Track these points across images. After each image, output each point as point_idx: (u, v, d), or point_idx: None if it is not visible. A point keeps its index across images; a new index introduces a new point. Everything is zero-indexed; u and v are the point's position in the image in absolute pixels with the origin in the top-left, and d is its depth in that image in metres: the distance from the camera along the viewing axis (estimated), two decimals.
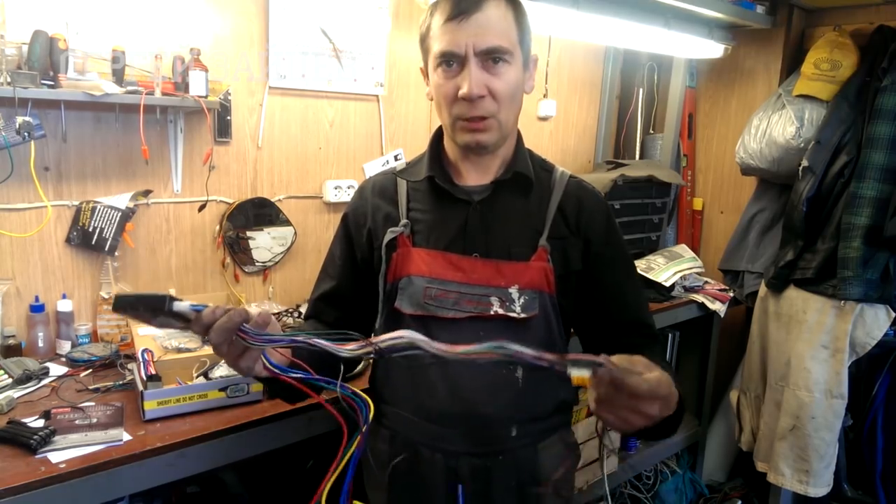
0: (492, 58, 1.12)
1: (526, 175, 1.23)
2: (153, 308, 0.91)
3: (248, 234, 2.10)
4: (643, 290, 1.34)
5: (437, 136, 1.29)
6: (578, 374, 0.81)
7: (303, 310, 1.95)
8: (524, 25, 1.18)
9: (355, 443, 0.91)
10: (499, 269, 1.19)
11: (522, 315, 1.18)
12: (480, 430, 1.19)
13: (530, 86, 1.23)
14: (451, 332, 1.18)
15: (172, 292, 1.96)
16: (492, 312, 1.17)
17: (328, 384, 0.92)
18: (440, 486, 1.22)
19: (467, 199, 1.22)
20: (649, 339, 1.29)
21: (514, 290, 1.19)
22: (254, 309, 1.04)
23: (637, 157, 3.24)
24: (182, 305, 0.91)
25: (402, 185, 1.28)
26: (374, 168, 2.33)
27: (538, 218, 1.24)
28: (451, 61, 1.13)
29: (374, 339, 0.87)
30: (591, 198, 1.28)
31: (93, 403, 1.45)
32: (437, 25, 1.13)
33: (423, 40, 1.19)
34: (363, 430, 0.91)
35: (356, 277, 1.30)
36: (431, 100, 1.23)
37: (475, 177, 1.24)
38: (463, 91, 1.11)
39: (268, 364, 0.96)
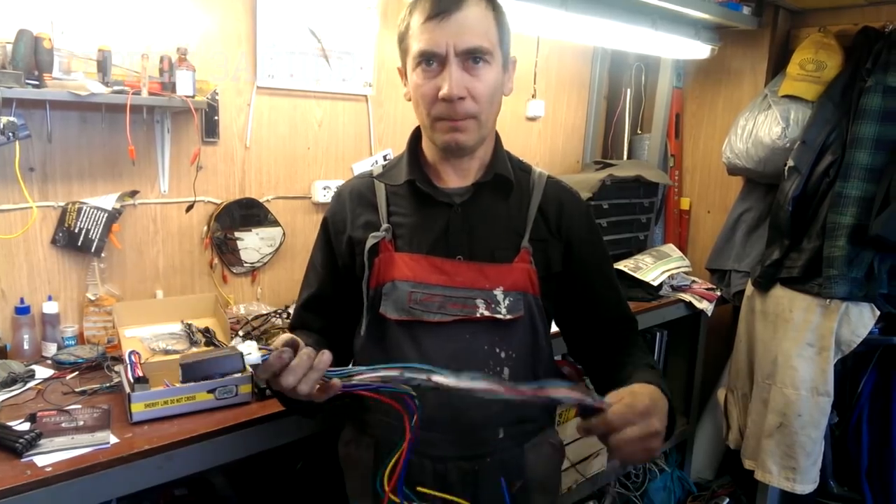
0: (472, 58, 1.12)
1: (506, 177, 1.24)
2: (226, 372, 0.97)
3: (236, 234, 2.09)
4: (620, 284, 1.40)
5: (415, 138, 1.29)
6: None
7: (291, 311, 1.94)
8: (504, 26, 1.18)
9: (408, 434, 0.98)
10: (483, 271, 1.20)
11: (508, 316, 1.18)
12: (468, 434, 1.19)
13: (509, 88, 1.23)
14: (437, 335, 1.18)
15: (160, 294, 1.95)
16: (478, 315, 1.18)
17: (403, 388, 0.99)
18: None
19: (448, 201, 1.22)
20: (631, 331, 1.34)
21: (498, 292, 1.19)
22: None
23: (625, 157, 3.26)
24: (253, 359, 0.96)
25: (381, 190, 1.27)
26: (362, 168, 2.32)
27: (519, 220, 1.24)
28: (431, 61, 1.12)
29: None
30: (571, 200, 1.30)
31: (79, 406, 1.44)
32: (417, 24, 1.13)
33: (402, 40, 1.19)
34: (414, 421, 0.99)
35: (338, 284, 1.30)
36: (409, 100, 1.23)
37: (455, 179, 1.25)
38: (443, 92, 1.11)
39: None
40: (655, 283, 2.54)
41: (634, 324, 1.35)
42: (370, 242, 1.21)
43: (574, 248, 1.27)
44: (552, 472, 1.34)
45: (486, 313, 1.18)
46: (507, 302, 1.19)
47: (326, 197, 2.23)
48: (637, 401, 1.00)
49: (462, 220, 1.21)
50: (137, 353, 1.53)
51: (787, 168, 2.42)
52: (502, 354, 1.19)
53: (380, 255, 1.21)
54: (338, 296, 1.30)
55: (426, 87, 1.14)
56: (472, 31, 1.11)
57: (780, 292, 2.43)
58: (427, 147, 1.26)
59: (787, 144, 2.47)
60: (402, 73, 1.24)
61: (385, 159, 2.37)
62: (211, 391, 1.45)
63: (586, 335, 1.33)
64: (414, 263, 1.20)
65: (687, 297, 2.63)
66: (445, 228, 1.21)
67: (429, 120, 1.17)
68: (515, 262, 1.21)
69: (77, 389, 1.54)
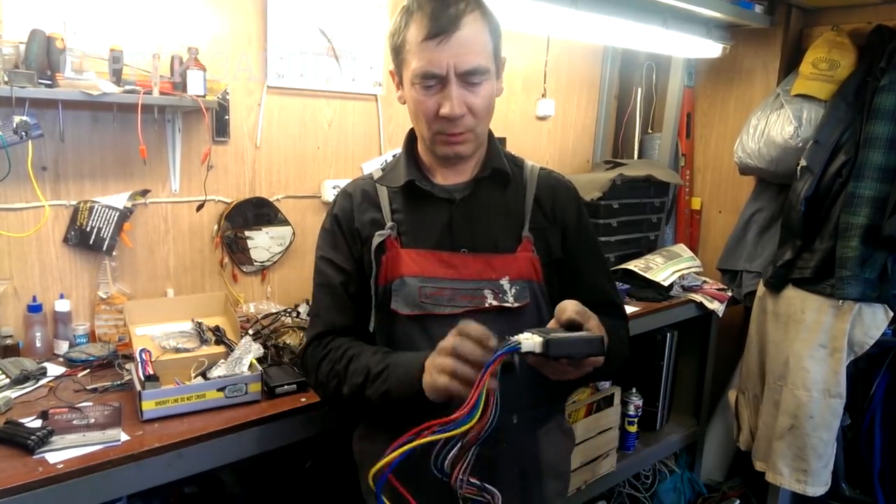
0: (471, 76, 1.14)
1: (504, 171, 1.27)
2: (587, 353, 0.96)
3: (247, 233, 2.09)
4: (610, 271, 1.43)
5: (411, 139, 1.32)
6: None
7: (301, 309, 1.94)
8: (496, 34, 1.19)
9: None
10: (488, 262, 1.23)
11: (516, 304, 1.22)
12: None
13: (500, 89, 1.25)
14: (448, 327, 1.19)
15: (170, 293, 1.96)
16: (487, 305, 1.21)
17: None
18: (444, 483, 1.22)
19: (449, 197, 1.25)
20: (618, 318, 1.36)
21: (505, 282, 1.23)
22: None
23: (635, 156, 3.24)
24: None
25: (383, 190, 1.30)
26: (372, 168, 2.32)
27: (518, 210, 1.28)
28: (431, 80, 1.15)
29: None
30: (562, 187, 1.34)
31: (90, 404, 1.44)
32: (415, 41, 1.14)
33: (398, 51, 1.20)
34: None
35: (361, 276, 1.29)
36: (403, 104, 1.25)
37: (452, 177, 1.28)
38: (445, 111, 1.14)
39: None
40: (666, 284, 2.53)
41: (621, 310, 1.38)
42: (377, 240, 1.24)
43: (568, 233, 1.31)
44: (564, 457, 1.39)
45: (495, 303, 1.21)
46: (513, 290, 1.22)
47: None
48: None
49: (464, 215, 1.25)
50: (148, 351, 1.54)
51: (799, 168, 2.40)
52: None
53: (387, 253, 1.23)
54: (366, 291, 1.29)
55: (427, 104, 1.17)
56: (471, 51, 1.13)
57: (792, 293, 2.41)
58: (423, 149, 1.29)
59: (800, 144, 2.46)
60: (395, 76, 1.26)
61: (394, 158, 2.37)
62: (221, 389, 1.46)
63: None
64: (421, 259, 1.22)
65: (698, 297, 2.61)
66: (448, 223, 1.24)
67: (429, 134, 1.21)
68: (519, 251, 1.25)
69: (88, 387, 1.55)
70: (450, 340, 0.98)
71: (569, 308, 0.98)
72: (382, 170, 1.34)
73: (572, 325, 0.97)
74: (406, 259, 1.22)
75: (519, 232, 1.26)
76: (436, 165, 1.28)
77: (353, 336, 1.27)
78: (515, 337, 0.93)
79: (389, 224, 1.25)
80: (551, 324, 1.02)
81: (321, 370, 1.23)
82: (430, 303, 1.20)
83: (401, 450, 0.91)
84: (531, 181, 1.31)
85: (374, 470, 0.91)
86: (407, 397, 1.07)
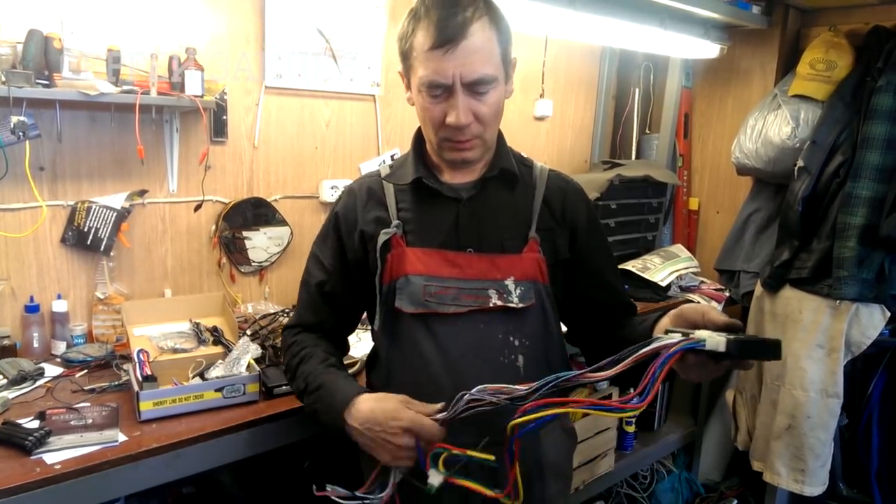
0: (478, 86, 1.14)
1: (511, 171, 1.27)
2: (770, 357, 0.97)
3: (245, 234, 2.09)
4: (619, 273, 1.45)
5: (419, 138, 1.31)
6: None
7: None
8: (505, 39, 1.18)
9: None
10: (494, 262, 1.23)
11: (520, 305, 1.22)
12: (487, 421, 1.20)
13: (510, 91, 1.24)
14: (452, 326, 1.22)
15: (168, 293, 1.96)
16: (491, 305, 1.21)
17: None
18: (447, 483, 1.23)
19: (456, 196, 1.25)
20: (631, 317, 1.36)
21: (510, 282, 1.23)
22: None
23: (633, 156, 3.25)
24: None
25: (389, 187, 1.30)
26: (370, 168, 2.32)
27: (525, 211, 1.28)
28: (438, 88, 1.14)
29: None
30: (572, 190, 1.34)
31: (88, 404, 1.44)
32: (422, 49, 1.13)
33: (405, 56, 1.19)
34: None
35: (348, 279, 1.31)
36: (412, 105, 1.24)
37: (460, 176, 1.28)
38: (451, 120, 1.14)
39: None
40: (664, 284, 2.53)
41: (634, 309, 1.38)
42: (382, 238, 1.24)
43: (578, 235, 1.31)
44: (565, 457, 1.38)
45: (499, 303, 1.21)
46: (518, 291, 1.22)
47: (334, 196, 2.23)
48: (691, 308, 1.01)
49: (470, 214, 1.24)
50: (146, 351, 1.54)
51: (797, 168, 2.40)
52: (516, 342, 1.22)
53: (392, 251, 1.24)
54: (348, 291, 1.32)
55: (433, 111, 1.17)
56: (477, 60, 1.12)
57: (789, 293, 2.41)
58: (431, 149, 1.29)
59: (797, 144, 2.46)
60: (404, 78, 1.25)
61: (392, 159, 2.37)
62: (219, 390, 1.46)
63: (588, 320, 1.36)
64: (426, 257, 1.22)
65: (695, 297, 2.62)
66: (455, 222, 1.24)
67: (437, 140, 1.21)
68: (525, 252, 1.24)
69: (86, 387, 1.54)
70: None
71: (714, 311, 0.98)
72: (390, 167, 1.34)
73: (731, 328, 0.95)
74: (411, 257, 1.22)
75: (526, 232, 1.25)
76: (443, 165, 1.28)
77: (321, 332, 1.34)
78: (696, 333, 0.92)
79: (395, 222, 1.25)
80: (665, 322, 1.03)
81: (285, 359, 1.34)
82: (435, 301, 1.20)
83: (552, 410, 0.95)
84: (540, 182, 1.31)
85: (516, 421, 0.96)
86: (331, 427, 1.17)
